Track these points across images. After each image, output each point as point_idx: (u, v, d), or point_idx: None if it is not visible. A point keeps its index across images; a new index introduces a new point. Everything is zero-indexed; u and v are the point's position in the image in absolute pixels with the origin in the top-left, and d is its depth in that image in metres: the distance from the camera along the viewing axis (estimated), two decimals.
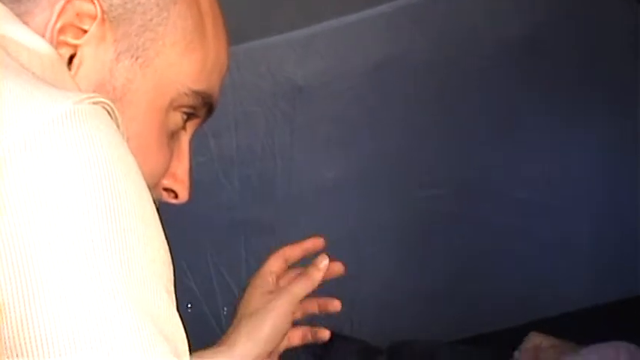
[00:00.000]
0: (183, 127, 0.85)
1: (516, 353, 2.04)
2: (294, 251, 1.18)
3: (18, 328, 0.58)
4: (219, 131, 2.02)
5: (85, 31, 0.77)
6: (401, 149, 2.16)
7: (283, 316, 1.10)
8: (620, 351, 1.82)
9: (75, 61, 0.76)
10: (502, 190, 2.22)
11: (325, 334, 1.18)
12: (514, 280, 2.25)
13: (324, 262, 1.16)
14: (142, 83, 0.79)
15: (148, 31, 0.79)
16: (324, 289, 2.27)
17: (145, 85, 0.79)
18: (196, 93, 0.82)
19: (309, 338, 1.18)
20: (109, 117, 0.66)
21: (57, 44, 0.75)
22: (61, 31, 0.76)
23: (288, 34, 2.03)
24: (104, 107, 0.66)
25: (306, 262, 1.19)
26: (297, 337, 1.17)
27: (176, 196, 0.88)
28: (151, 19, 0.79)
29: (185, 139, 0.86)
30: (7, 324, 0.58)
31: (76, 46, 0.76)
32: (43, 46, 0.73)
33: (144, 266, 0.62)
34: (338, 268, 1.19)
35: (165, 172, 0.85)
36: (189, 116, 0.84)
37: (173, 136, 0.84)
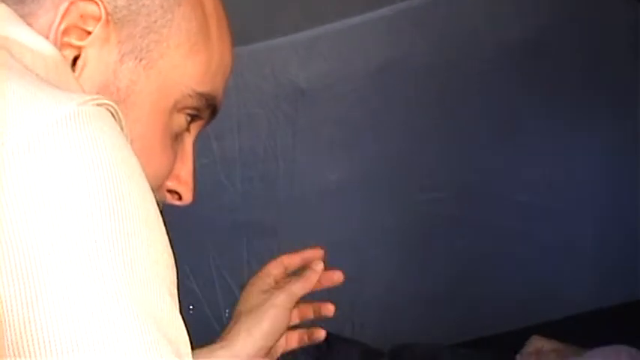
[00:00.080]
0: (187, 129, 0.85)
1: (518, 357, 2.04)
2: (293, 259, 1.20)
3: (20, 330, 0.58)
4: (222, 133, 2.02)
5: (89, 33, 0.76)
6: (402, 152, 2.16)
7: (281, 313, 1.11)
8: (622, 355, 1.82)
9: (79, 62, 0.76)
10: (504, 193, 2.22)
11: (321, 334, 1.19)
12: (516, 284, 2.25)
13: (319, 265, 1.18)
14: (145, 85, 0.79)
15: (152, 32, 0.79)
16: (327, 291, 2.28)
17: (148, 87, 0.79)
18: (200, 95, 0.82)
19: (306, 340, 1.19)
20: (112, 119, 0.66)
21: (61, 46, 0.75)
22: (65, 32, 0.76)
23: (291, 36, 2.03)
24: (108, 109, 0.66)
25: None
26: (294, 339, 1.19)
27: (180, 198, 0.88)
28: (155, 21, 0.79)
29: (189, 140, 0.86)
30: (9, 325, 0.58)
31: (79, 48, 0.76)
32: (47, 48, 0.73)
33: (147, 269, 0.62)
34: (337, 276, 1.22)
35: (169, 173, 0.85)
36: (193, 118, 0.84)
37: (177, 137, 0.84)
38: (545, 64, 2.13)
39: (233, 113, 2.00)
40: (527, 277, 2.25)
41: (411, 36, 2.07)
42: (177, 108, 0.81)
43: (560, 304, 2.25)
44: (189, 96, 0.81)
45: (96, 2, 0.76)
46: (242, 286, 1.17)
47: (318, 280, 1.19)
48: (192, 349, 0.65)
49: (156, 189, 0.80)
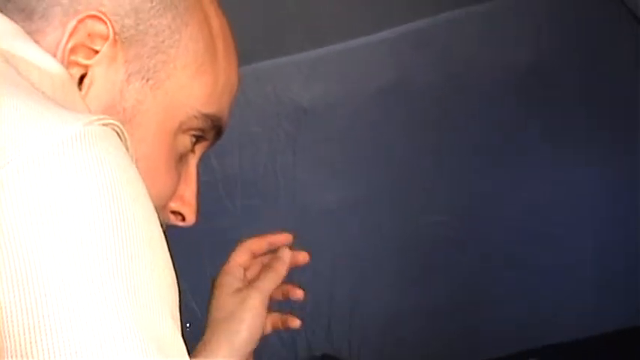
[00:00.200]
0: (192, 150, 0.85)
1: None
2: (260, 244, 1.15)
3: (23, 347, 0.58)
4: (223, 151, 2.02)
5: (97, 52, 0.76)
6: (402, 173, 2.16)
7: (258, 316, 1.08)
8: None
9: (85, 81, 0.76)
10: (503, 217, 2.22)
11: (296, 323, 1.16)
12: (515, 307, 2.24)
13: (286, 253, 1.13)
14: (152, 105, 0.78)
15: (159, 53, 0.79)
16: (326, 307, 2.27)
17: (155, 107, 0.79)
18: (206, 116, 0.82)
19: (280, 326, 1.15)
20: (118, 139, 0.66)
21: (68, 64, 0.75)
22: (73, 50, 0.76)
23: (295, 56, 2.04)
24: (114, 129, 0.65)
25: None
26: (268, 324, 1.14)
27: (183, 219, 0.88)
28: (162, 41, 0.79)
29: (193, 162, 0.86)
30: (9, 336, 0.58)
31: (87, 67, 0.76)
32: (54, 66, 0.73)
33: (149, 291, 0.61)
34: (303, 257, 1.16)
35: (173, 194, 0.84)
36: (198, 139, 0.84)
37: (181, 158, 0.83)
38: (546, 87, 2.14)
39: (234, 131, 1.99)
40: (526, 301, 2.24)
41: (413, 58, 2.08)
42: (182, 129, 0.81)
43: (559, 329, 2.25)
44: (195, 117, 0.81)
45: (104, 21, 0.76)
46: (211, 286, 1.12)
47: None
48: None
49: (159, 209, 0.79)
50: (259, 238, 1.15)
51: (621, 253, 2.23)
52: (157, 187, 0.79)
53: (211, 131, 0.84)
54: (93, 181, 0.61)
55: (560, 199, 2.22)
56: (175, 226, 0.86)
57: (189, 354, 0.64)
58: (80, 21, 0.76)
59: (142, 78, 0.78)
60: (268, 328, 1.13)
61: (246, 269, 1.13)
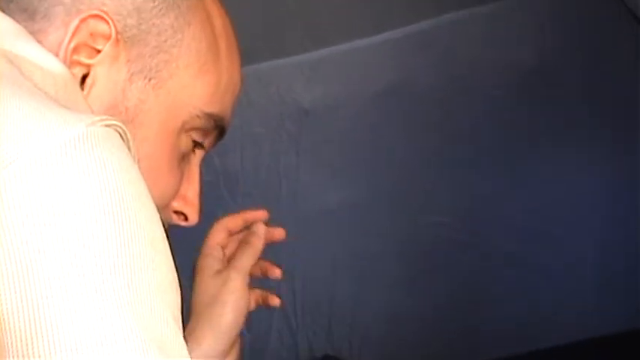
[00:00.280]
0: (194, 150, 0.85)
1: None
2: (235, 221, 1.12)
3: (24, 346, 0.58)
4: (225, 151, 2.02)
5: (99, 51, 0.77)
6: (404, 175, 2.16)
7: (241, 297, 1.04)
8: None
9: (88, 80, 0.76)
10: (504, 217, 2.22)
11: (275, 301, 1.13)
12: (516, 308, 2.24)
13: (261, 228, 1.10)
14: (154, 105, 0.79)
15: (162, 52, 0.79)
16: (326, 307, 2.27)
17: (157, 107, 0.79)
18: (209, 116, 0.82)
19: (260, 303, 1.11)
20: (120, 140, 0.66)
21: (70, 63, 0.75)
22: (75, 50, 0.76)
23: (297, 57, 2.04)
24: (116, 130, 0.66)
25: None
26: (252, 301, 1.10)
27: (186, 219, 0.88)
28: (165, 41, 0.79)
29: (195, 161, 0.86)
30: (10, 334, 0.58)
31: (89, 66, 0.76)
32: (56, 66, 0.73)
33: (151, 292, 0.61)
34: (279, 233, 1.14)
35: (176, 194, 0.84)
36: (199, 142, 0.84)
37: (184, 158, 0.83)
38: (548, 87, 2.13)
39: (236, 131, 2.00)
40: (526, 301, 2.24)
41: (415, 59, 2.08)
42: (185, 129, 0.81)
43: (559, 328, 2.25)
44: (198, 117, 0.81)
45: (106, 20, 0.76)
46: (193, 270, 1.10)
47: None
48: None
49: (162, 209, 0.80)
50: (234, 216, 1.12)
51: (621, 252, 2.23)
52: (160, 186, 0.79)
53: (214, 131, 0.84)
54: (95, 182, 0.61)
55: (561, 198, 2.22)
56: (178, 226, 0.86)
57: None
58: (82, 20, 0.76)
59: (145, 77, 0.78)
60: (252, 305, 1.10)
61: (224, 248, 1.10)
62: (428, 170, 2.16)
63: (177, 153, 0.82)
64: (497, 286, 2.25)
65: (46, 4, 0.77)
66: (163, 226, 0.67)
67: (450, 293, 2.24)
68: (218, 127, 0.84)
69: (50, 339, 0.57)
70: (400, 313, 2.25)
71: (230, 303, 1.03)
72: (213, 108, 0.83)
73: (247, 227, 1.12)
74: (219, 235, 1.11)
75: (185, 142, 0.82)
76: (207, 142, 0.85)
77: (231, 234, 1.11)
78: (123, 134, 0.66)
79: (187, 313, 1.06)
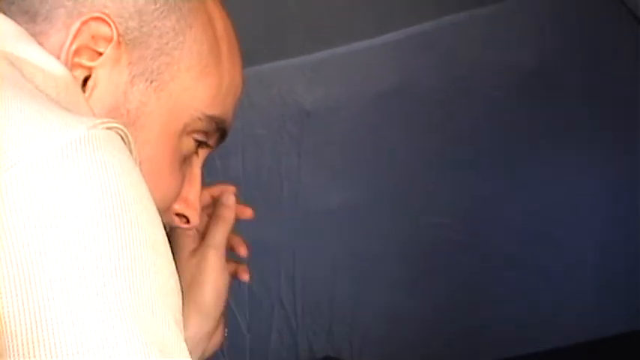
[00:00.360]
0: (196, 152, 0.85)
1: None
2: (204, 197, 1.04)
3: (26, 349, 0.58)
4: (227, 152, 2.02)
5: (100, 54, 0.77)
6: (405, 176, 2.16)
7: (220, 274, 1.00)
8: None
9: (89, 83, 0.76)
10: (505, 219, 2.21)
11: (245, 277, 1.07)
12: (515, 309, 2.24)
13: (231, 199, 1.05)
14: (156, 107, 0.79)
15: (163, 55, 0.79)
16: (327, 309, 2.27)
17: (159, 109, 0.79)
18: (210, 118, 0.82)
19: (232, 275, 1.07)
20: (122, 142, 0.66)
21: (71, 66, 0.75)
22: (76, 53, 0.76)
23: (299, 58, 2.04)
24: (117, 132, 0.66)
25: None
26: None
27: (187, 221, 0.88)
28: (166, 43, 0.79)
29: (197, 163, 0.86)
30: (12, 337, 0.58)
31: (90, 69, 0.76)
32: (58, 68, 0.73)
33: (153, 295, 0.61)
34: (248, 212, 1.09)
35: (177, 196, 0.84)
36: (202, 142, 0.84)
37: (185, 160, 0.83)
38: (548, 89, 2.13)
39: (238, 133, 2.00)
40: (526, 302, 2.24)
41: (417, 61, 2.08)
42: (186, 131, 0.81)
43: (559, 329, 2.25)
44: (199, 119, 0.81)
45: (108, 23, 0.76)
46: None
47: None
48: None
49: (163, 211, 0.79)
50: (203, 191, 1.07)
51: (622, 253, 2.23)
52: (161, 189, 0.79)
53: (215, 133, 0.84)
54: (96, 185, 0.61)
55: (561, 199, 2.21)
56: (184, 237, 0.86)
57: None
58: (84, 23, 0.76)
59: (146, 80, 0.78)
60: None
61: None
62: (429, 171, 2.16)
63: (178, 155, 0.82)
64: (497, 288, 2.25)
65: (48, 7, 0.77)
66: (165, 229, 0.67)
67: (450, 294, 2.24)
68: (220, 130, 0.84)
69: (51, 342, 0.57)
70: (400, 313, 2.25)
71: (209, 283, 0.98)
72: (215, 110, 0.83)
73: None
74: None
75: (186, 145, 0.82)
76: (209, 144, 0.85)
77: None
78: (124, 137, 0.66)
79: None
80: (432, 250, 2.21)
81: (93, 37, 0.76)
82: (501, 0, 2.04)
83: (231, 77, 0.84)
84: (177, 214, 0.86)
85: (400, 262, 2.23)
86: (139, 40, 0.78)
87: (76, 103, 0.72)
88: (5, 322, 0.58)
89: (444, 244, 2.20)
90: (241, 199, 1.07)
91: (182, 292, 0.97)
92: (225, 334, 1.04)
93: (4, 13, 0.76)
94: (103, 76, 0.77)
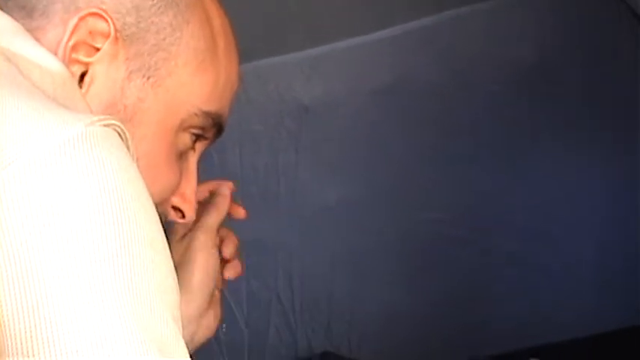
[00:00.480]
0: (192, 147, 0.85)
1: None
2: (201, 190, 1.02)
3: (24, 347, 0.58)
4: (224, 149, 2.02)
5: (98, 49, 0.77)
6: (404, 172, 2.16)
7: (209, 254, 0.98)
8: None
9: (86, 79, 0.76)
10: (504, 215, 2.22)
11: (240, 213, 1.06)
12: (514, 306, 2.24)
13: (226, 189, 1.04)
14: (153, 103, 0.79)
15: (160, 50, 0.79)
16: (325, 304, 2.27)
17: (156, 105, 0.79)
18: (207, 114, 0.82)
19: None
20: (119, 139, 0.66)
21: (69, 62, 0.75)
22: (74, 48, 0.76)
23: (296, 54, 2.03)
24: (115, 129, 0.66)
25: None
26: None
27: (183, 216, 0.88)
28: (164, 39, 0.79)
29: (193, 159, 0.86)
30: (10, 335, 0.58)
31: (87, 64, 0.76)
32: (54, 64, 0.73)
33: (151, 292, 0.61)
34: (241, 211, 1.07)
35: (174, 191, 0.84)
36: (198, 137, 0.84)
37: (182, 156, 0.84)
38: (548, 85, 2.13)
39: (235, 129, 2.00)
40: (526, 299, 2.24)
41: (416, 57, 2.07)
42: (183, 127, 0.81)
43: (559, 327, 2.25)
44: (196, 115, 0.81)
45: (105, 19, 0.76)
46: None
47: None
48: None
49: (159, 204, 0.80)
50: (201, 186, 1.01)
51: (621, 252, 2.23)
52: (158, 184, 0.80)
53: (212, 129, 0.84)
54: (94, 182, 0.61)
55: (560, 196, 2.22)
56: (176, 223, 0.86)
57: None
58: (81, 18, 0.76)
59: (143, 76, 0.78)
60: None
61: None
62: (428, 167, 2.16)
63: (175, 151, 0.82)
64: (496, 284, 2.25)
65: (45, 2, 0.77)
66: (160, 220, 0.66)
67: (449, 290, 2.24)
68: (216, 125, 0.84)
69: (50, 340, 0.57)
70: (399, 310, 2.25)
71: (197, 261, 0.96)
72: (212, 106, 0.83)
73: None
74: None
75: (183, 140, 0.82)
76: (205, 141, 0.85)
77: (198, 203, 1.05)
78: (122, 134, 0.66)
79: None
80: (430, 246, 2.21)
81: (90, 32, 0.76)
82: None
83: (228, 73, 0.84)
84: (174, 208, 0.86)
85: (398, 259, 2.23)
86: (136, 36, 0.78)
87: (72, 99, 0.72)
88: (4, 321, 0.57)
89: (442, 240, 2.20)
90: (239, 195, 1.06)
91: None
92: (224, 329, 1.03)
93: (1, 9, 0.76)
94: (100, 72, 0.77)
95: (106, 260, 0.60)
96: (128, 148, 0.66)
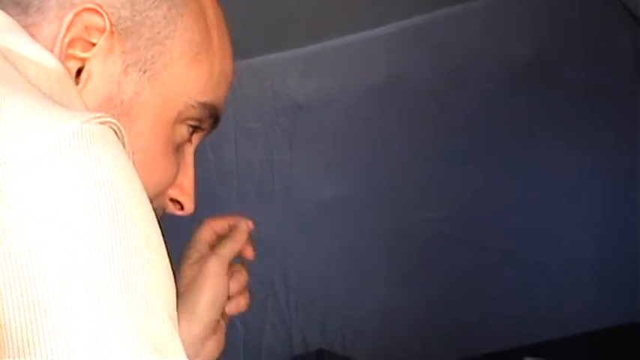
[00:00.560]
0: (189, 140, 0.85)
1: None
2: (222, 223, 1.08)
3: (23, 345, 0.58)
4: (219, 146, 2.02)
5: (94, 44, 0.76)
6: (399, 170, 2.16)
7: (219, 282, 1.01)
8: None
9: (83, 74, 0.76)
10: (501, 212, 2.22)
11: (249, 253, 1.08)
12: (512, 303, 2.25)
13: (245, 225, 1.07)
14: (149, 96, 0.79)
15: (156, 44, 0.79)
16: (321, 302, 2.27)
17: (152, 99, 0.79)
18: (203, 105, 0.82)
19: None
20: (115, 137, 0.65)
21: (65, 57, 0.75)
22: (70, 44, 0.76)
23: (292, 51, 2.04)
24: (111, 127, 0.65)
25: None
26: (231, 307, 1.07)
27: (182, 208, 0.88)
28: (158, 32, 0.79)
29: (190, 151, 0.86)
30: (8, 334, 0.58)
31: (84, 60, 0.76)
32: (50, 61, 0.73)
33: (147, 290, 0.61)
34: (249, 252, 1.09)
35: (171, 184, 0.84)
36: (195, 129, 0.84)
37: (178, 148, 0.84)
38: (544, 82, 2.14)
39: (230, 126, 2.00)
40: (524, 297, 2.24)
41: (411, 54, 2.08)
42: (180, 119, 0.82)
43: (557, 325, 2.25)
44: (192, 106, 0.82)
45: (100, 14, 0.76)
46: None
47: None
48: None
49: (155, 197, 0.80)
50: (222, 219, 1.09)
51: (620, 250, 2.24)
52: (155, 178, 0.80)
53: (208, 120, 0.84)
54: (90, 180, 0.61)
55: (558, 193, 2.22)
56: (172, 216, 0.86)
57: None
58: (77, 14, 0.76)
59: (139, 70, 0.78)
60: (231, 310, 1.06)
61: (210, 245, 1.07)
62: (423, 165, 2.16)
63: (172, 144, 0.82)
64: (492, 282, 2.25)
65: None
66: (156, 214, 0.67)
67: (445, 289, 2.24)
68: (213, 116, 0.84)
69: (46, 339, 0.57)
70: (394, 307, 2.25)
71: (206, 287, 1.00)
72: (208, 97, 0.83)
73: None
74: (207, 233, 1.08)
75: (180, 133, 0.83)
76: (201, 132, 0.86)
77: (217, 235, 1.09)
78: (118, 131, 0.66)
79: None
80: (426, 244, 2.21)
81: (86, 27, 0.76)
82: None
83: (223, 64, 0.85)
84: (172, 200, 0.86)
85: (394, 256, 2.23)
86: (131, 30, 0.78)
87: (68, 96, 0.72)
88: (1, 320, 0.58)
89: (438, 238, 2.21)
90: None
91: (178, 293, 0.99)
92: (226, 344, 1.04)
93: None
94: (96, 67, 0.77)
95: (102, 259, 0.60)
96: (124, 145, 0.66)
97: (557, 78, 2.12)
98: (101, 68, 0.77)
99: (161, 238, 0.65)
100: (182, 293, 1.00)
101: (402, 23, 2.04)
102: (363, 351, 2.27)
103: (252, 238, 1.09)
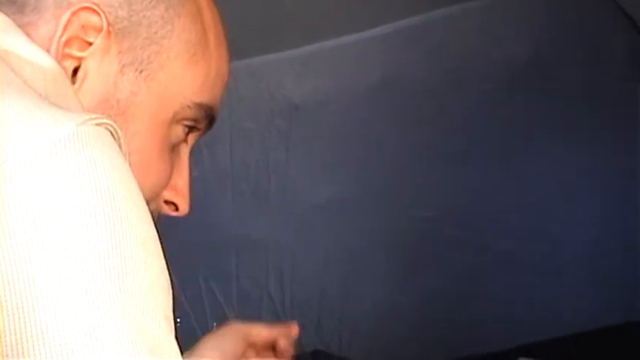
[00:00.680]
0: (185, 140, 0.84)
1: None
2: (264, 334, 1.13)
3: (18, 347, 0.58)
4: (215, 146, 2.02)
5: (90, 44, 0.76)
6: (395, 170, 2.16)
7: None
8: None
9: (79, 74, 0.76)
10: (499, 212, 2.22)
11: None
12: (509, 303, 2.25)
13: (284, 344, 1.12)
14: (145, 96, 0.78)
15: (152, 44, 0.79)
16: (316, 304, 2.27)
17: (148, 99, 0.79)
18: (199, 105, 0.82)
19: None
20: (111, 138, 0.65)
21: (62, 57, 0.75)
22: (67, 43, 0.75)
23: (288, 52, 2.04)
24: (107, 128, 0.65)
25: None
26: None
27: (177, 209, 0.87)
28: (155, 32, 0.79)
29: (185, 151, 0.86)
30: (4, 336, 0.58)
31: (80, 59, 0.76)
32: (46, 61, 0.72)
33: (143, 292, 0.61)
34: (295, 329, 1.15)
35: (166, 185, 0.84)
36: (191, 129, 0.84)
37: (174, 148, 0.83)
38: (542, 82, 2.14)
39: (226, 127, 2.00)
40: (521, 298, 2.24)
41: (407, 54, 2.08)
42: (176, 119, 0.81)
43: (554, 326, 2.25)
44: (189, 107, 0.81)
45: (97, 13, 0.76)
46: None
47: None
48: None
49: (152, 200, 0.80)
50: (271, 330, 1.13)
51: (617, 250, 2.24)
52: (151, 178, 0.79)
53: (204, 121, 0.84)
54: (86, 182, 0.61)
55: (556, 193, 2.22)
56: (167, 217, 0.86)
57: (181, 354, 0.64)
58: (74, 13, 0.76)
59: (136, 69, 0.78)
60: None
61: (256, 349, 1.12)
62: (419, 165, 2.16)
63: (168, 144, 0.82)
64: (490, 283, 2.25)
65: None
66: (153, 220, 0.66)
67: (441, 289, 2.24)
68: (208, 117, 0.84)
69: (41, 343, 0.57)
70: (390, 308, 2.25)
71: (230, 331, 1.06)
72: (204, 98, 0.83)
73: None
74: (263, 334, 1.12)
75: (176, 133, 0.82)
76: (196, 133, 0.85)
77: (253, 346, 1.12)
78: (114, 132, 0.66)
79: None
80: (422, 244, 2.21)
81: (83, 27, 0.76)
82: None
83: (219, 65, 0.85)
84: (167, 202, 0.86)
85: (391, 256, 2.23)
86: (128, 30, 0.78)
87: (64, 96, 0.71)
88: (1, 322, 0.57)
89: (435, 239, 2.21)
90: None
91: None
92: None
93: None
94: (93, 67, 0.76)
95: (97, 261, 0.59)
96: (120, 146, 0.66)
97: (555, 78, 2.13)
98: (97, 68, 0.76)
99: (157, 240, 0.65)
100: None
101: (399, 24, 2.04)
102: (359, 351, 2.26)
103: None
